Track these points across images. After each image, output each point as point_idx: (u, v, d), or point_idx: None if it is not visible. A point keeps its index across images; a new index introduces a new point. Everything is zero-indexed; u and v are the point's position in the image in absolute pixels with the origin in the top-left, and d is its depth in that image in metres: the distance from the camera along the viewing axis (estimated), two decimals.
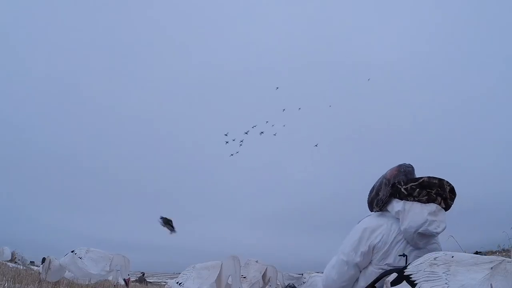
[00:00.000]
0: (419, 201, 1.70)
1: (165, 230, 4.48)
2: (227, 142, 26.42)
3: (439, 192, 1.70)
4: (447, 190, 1.71)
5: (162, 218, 4.40)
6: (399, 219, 1.73)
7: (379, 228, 1.76)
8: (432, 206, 1.68)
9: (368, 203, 2.02)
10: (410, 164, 1.91)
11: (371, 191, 1.99)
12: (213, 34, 60.32)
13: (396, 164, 1.92)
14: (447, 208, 1.73)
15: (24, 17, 47.12)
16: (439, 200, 1.70)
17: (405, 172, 1.87)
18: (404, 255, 1.66)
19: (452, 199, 1.73)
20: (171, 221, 4.40)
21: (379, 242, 1.72)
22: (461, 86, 48.43)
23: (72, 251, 5.68)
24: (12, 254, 12.55)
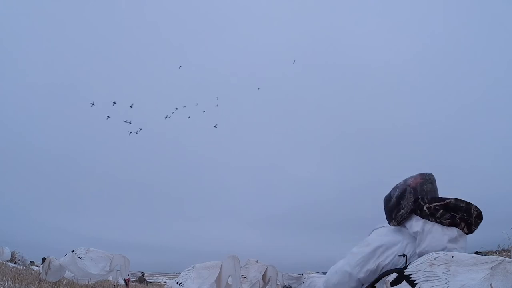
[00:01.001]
0: (440, 223, 1.57)
1: None
2: (129, 122, 30.27)
3: (464, 218, 1.55)
4: (474, 215, 1.55)
5: None
6: (416, 238, 1.62)
7: (393, 247, 1.65)
8: (454, 231, 1.55)
9: (386, 212, 1.88)
10: (432, 173, 1.78)
11: (388, 199, 1.86)
12: (209, 37, 60.38)
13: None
14: (469, 232, 1.58)
15: (23, 20, 47.12)
16: (462, 225, 1.55)
17: (430, 180, 1.74)
18: (404, 255, 1.64)
19: (477, 225, 1.57)
20: None
21: (389, 263, 1.63)
22: (463, 87, 48.43)
23: (72, 251, 5.68)
24: (12, 254, 12.53)
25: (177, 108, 32.76)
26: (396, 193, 1.80)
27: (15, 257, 12.81)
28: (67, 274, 6.46)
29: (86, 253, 5.64)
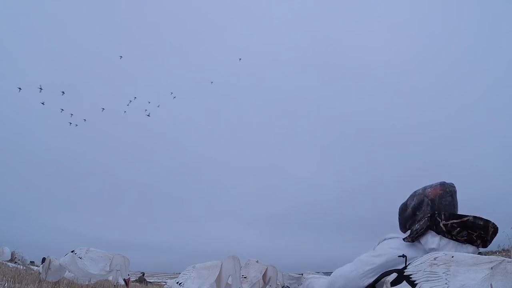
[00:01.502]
0: (456, 240, 1.55)
1: None
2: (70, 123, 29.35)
3: (481, 235, 1.53)
4: (490, 232, 1.54)
5: None
6: None
7: (403, 263, 1.60)
8: (469, 249, 1.54)
9: (400, 221, 1.84)
10: (453, 184, 1.72)
11: (404, 209, 1.82)
12: (209, 37, 60.44)
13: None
14: (484, 247, 1.58)
15: (23, 20, 47.17)
16: (478, 243, 1.54)
17: (450, 192, 1.69)
18: (403, 255, 1.64)
19: (492, 240, 1.56)
20: None
21: None
22: (463, 87, 48.49)
23: (72, 251, 5.68)
24: (12, 254, 12.54)
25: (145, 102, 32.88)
26: (413, 203, 1.76)
27: (15, 257, 12.82)
28: (67, 274, 6.47)
29: (86, 253, 5.64)
